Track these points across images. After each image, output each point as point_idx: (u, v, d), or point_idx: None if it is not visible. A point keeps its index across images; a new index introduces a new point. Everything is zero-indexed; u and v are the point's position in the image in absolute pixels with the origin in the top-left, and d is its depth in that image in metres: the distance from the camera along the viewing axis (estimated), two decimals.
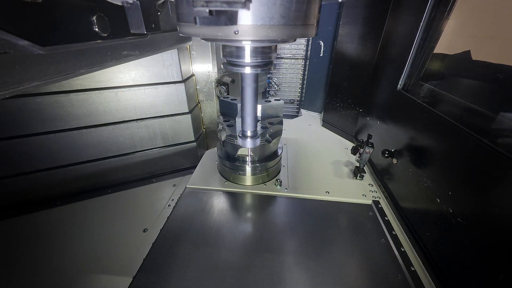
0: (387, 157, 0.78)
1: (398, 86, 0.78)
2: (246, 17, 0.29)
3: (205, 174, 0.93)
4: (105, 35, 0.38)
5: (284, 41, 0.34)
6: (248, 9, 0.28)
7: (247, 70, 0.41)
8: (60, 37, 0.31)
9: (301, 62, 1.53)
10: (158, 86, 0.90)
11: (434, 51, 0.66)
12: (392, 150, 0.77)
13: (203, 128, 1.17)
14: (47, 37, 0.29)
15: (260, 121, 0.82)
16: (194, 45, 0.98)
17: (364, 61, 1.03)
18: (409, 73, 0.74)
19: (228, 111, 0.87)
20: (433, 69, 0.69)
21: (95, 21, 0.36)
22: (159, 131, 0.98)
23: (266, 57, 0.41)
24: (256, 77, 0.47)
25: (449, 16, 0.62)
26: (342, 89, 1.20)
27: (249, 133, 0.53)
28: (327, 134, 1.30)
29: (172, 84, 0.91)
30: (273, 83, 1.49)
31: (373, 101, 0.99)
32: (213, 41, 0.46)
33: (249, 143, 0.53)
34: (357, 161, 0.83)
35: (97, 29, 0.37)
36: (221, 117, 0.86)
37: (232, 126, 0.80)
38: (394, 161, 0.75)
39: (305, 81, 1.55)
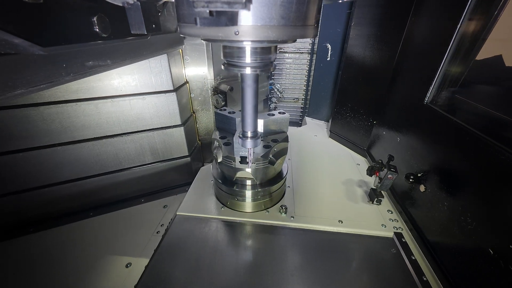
0: (411, 182, 0.66)
1: (426, 99, 0.66)
2: (246, 18, 0.29)
3: (199, 197, 0.82)
4: (106, 35, 0.38)
5: (284, 41, 0.35)
6: (249, 9, 0.28)
7: (248, 71, 0.40)
8: (61, 38, 0.31)
9: (307, 57, 1.39)
10: (145, 96, 0.78)
11: (477, 58, 0.54)
12: (419, 175, 0.66)
13: (199, 141, 1.05)
14: (47, 37, 0.29)
15: (262, 139, 0.70)
16: (188, 49, 0.86)
17: (380, 67, 0.91)
18: (441, 84, 0.62)
19: (225, 126, 0.76)
20: (474, 80, 0.57)
21: (95, 21, 0.36)
22: (148, 146, 0.87)
23: (266, 56, 0.40)
24: (257, 77, 0.46)
25: (500, 13, 0.49)
26: (353, 97, 1.08)
27: (249, 134, 0.51)
28: (335, 146, 1.18)
29: (162, 94, 0.80)
30: (275, 90, 1.37)
31: (391, 113, 0.87)
32: (213, 42, 0.43)
33: (249, 143, 0.52)
34: (377, 186, 0.71)
35: (97, 30, 0.36)
36: (217, 133, 0.74)
37: (229, 144, 0.69)
38: (422, 188, 0.63)
39: (310, 78, 1.42)
